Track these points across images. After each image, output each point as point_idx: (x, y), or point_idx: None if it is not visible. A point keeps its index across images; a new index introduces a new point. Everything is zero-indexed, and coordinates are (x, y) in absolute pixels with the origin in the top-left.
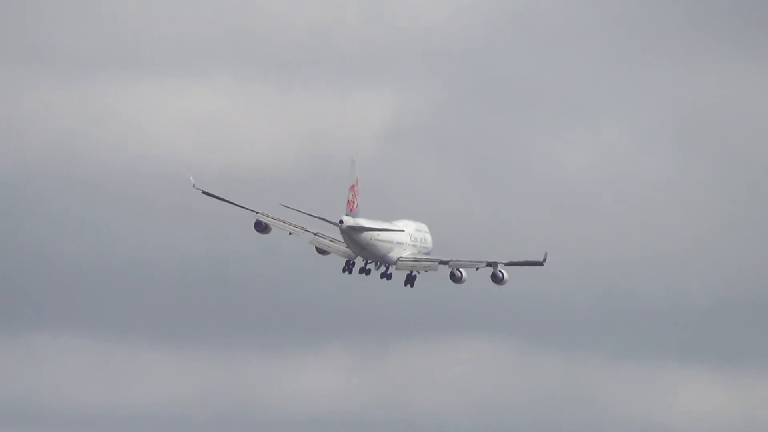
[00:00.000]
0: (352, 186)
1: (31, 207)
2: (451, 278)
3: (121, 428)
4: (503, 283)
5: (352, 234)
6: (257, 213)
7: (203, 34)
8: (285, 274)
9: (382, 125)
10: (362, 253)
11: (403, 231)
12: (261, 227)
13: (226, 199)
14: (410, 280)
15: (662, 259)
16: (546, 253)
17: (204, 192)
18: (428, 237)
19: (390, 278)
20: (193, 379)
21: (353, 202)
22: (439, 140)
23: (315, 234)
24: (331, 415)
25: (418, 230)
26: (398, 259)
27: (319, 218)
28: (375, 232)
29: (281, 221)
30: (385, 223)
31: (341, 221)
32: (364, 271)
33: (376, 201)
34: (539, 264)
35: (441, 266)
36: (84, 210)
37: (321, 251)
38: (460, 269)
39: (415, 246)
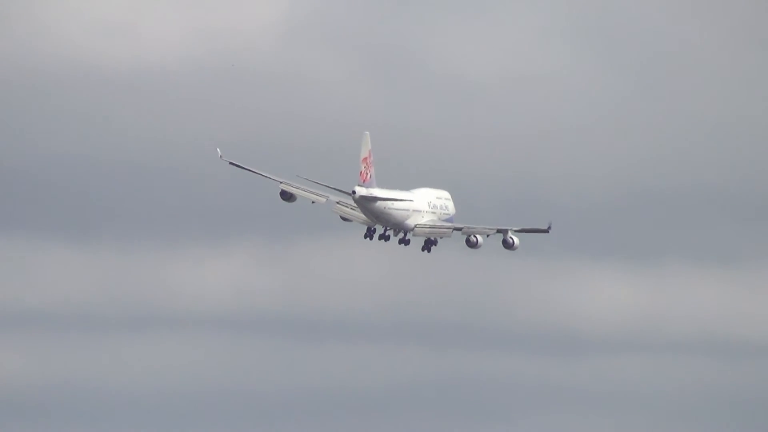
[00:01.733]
0: (365, 158)
1: None
2: (467, 244)
3: (24, 326)
4: (514, 248)
5: (365, 203)
6: (281, 183)
7: None
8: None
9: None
10: (378, 221)
11: (412, 200)
12: (286, 196)
13: (253, 170)
14: (428, 245)
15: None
16: (550, 222)
17: (231, 163)
18: (449, 204)
19: (408, 244)
20: (96, 276)
21: (366, 173)
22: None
23: (337, 202)
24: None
25: (438, 198)
26: (415, 225)
27: (334, 189)
28: (389, 202)
29: (304, 190)
30: (402, 192)
31: (353, 192)
32: (384, 237)
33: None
34: (545, 231)
35: (456, 233)
36: None
37: (344, 218)
38: (475, 235)
39: (434, 213)
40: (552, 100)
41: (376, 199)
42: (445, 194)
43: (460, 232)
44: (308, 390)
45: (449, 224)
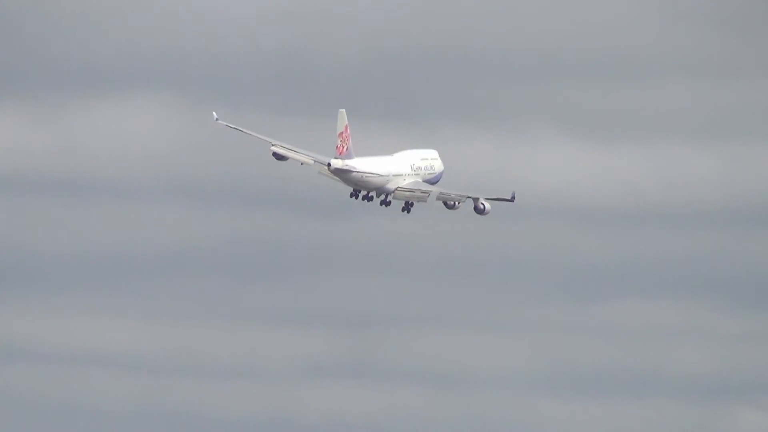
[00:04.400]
0: (341, 133)
1: None
2: (445, 206)
3: None
4: (485, 214)
5: (341, 174)
6: (272, 144)
7: None
8: None
9: None
10: (359, 187)
11: (382, 176)
12: (278, 156)
13: (246, 131)
14: (407, 206)
15: None
16: (514, 192)
17: (226, 125)
18: (436, 163)
19: (389, 205)
20: None
21: (342, 147)
22: None
23: (318, 172)
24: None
25: (423, 159)
26: (396, 188)
27: (313, 158)
28: (366, 172)
29: (295, 151)
30: (383, 157)
31: (329, 164)
32: (367, 198)
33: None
34: (510, 200)
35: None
36: None
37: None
38: (453, 200)
39: (417, 174)
40: None
41: (350, 171)
42: (432, 153)
43: (435, 197)
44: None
45: (428, 187)
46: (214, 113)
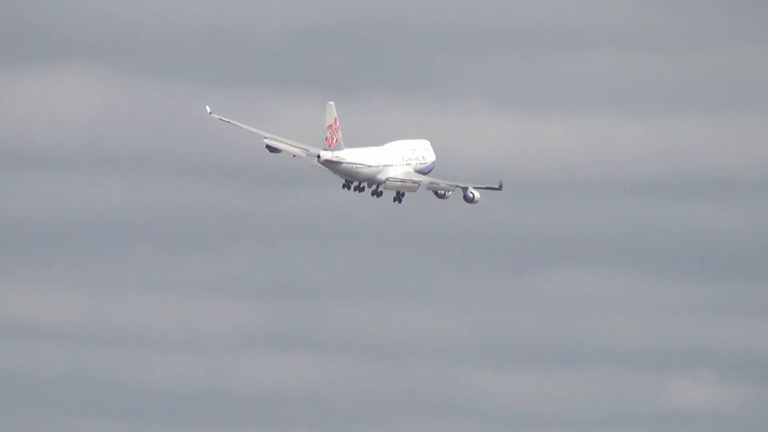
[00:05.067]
0: (330, 125)
1: None
2: (435, 195)
3: None
4: (475, 202)
5: (332, 166)
6: (265, 138)
7: None
8: None
9: None
10: (350, 178)
11: (372, 166)
12: (272, 149)
13: (238, 124)
14: (399, 197)
15: None
16: (501, 180)
17: (220, 118)
18: (427, 153)
19: (380, 195)
20: None
21: (332, 139)
22: None
23: (311, 163)
24: None
25: (414, 149)
26: (387, 179)
27: (305, 150)
28: (356, 163)
29: (288, 144)
30: (374, 148)
31: (318, 156)
32: (358, 189)
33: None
34: (498, 189)
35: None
36: None
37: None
38: (443, 190)
39: (408, 165)
40: None
41: (340, 162)
42: (424, 144)
43: (425, 187)
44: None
45: (419, 177)
46: (207, 107)
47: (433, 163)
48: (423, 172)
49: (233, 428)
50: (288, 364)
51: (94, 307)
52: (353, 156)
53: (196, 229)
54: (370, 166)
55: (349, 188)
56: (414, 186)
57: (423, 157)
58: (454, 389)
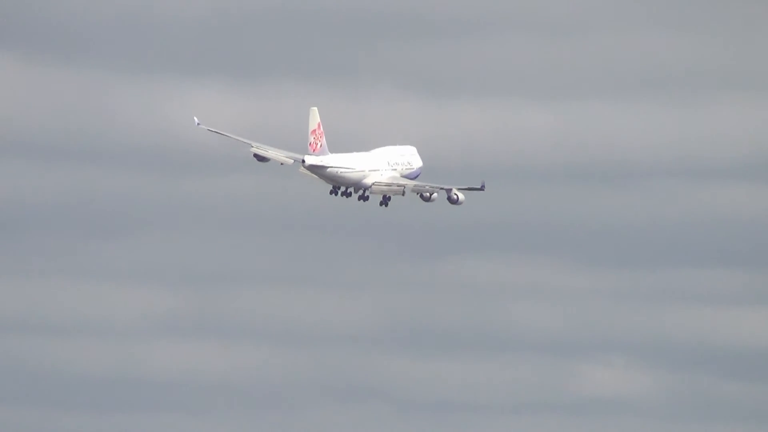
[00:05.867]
0: (313, 130)
1: None
2: (421, 198)
3: None
4: (459, 204)
5: (317, 171)
6: (252, 147)
7: None
8: None
9: None
10: (337, 183)
11: (355, 170)
12: (260, 158)
13: (227, 134)
14: (385, 200)
15: None
16: (483, 181)
17: (209, 129)
18: (413, 159)
19: (367, 200)
20: None
21: (315, 144)
22: None
23: (299, 170)
24: None
25: (401, 155)
26: (373, 183)
27: (293, 158)
28: (341, 168)
29: (275, 152)
30: (359, 153)
31: (303, 160)
32: (345, 194)
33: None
34: (480, 189)
35: (409, 190)
36: None
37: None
38: (428, 192)
39: (394, 170)
40: None
41: (325, 167)
42: (410, 150)
43: (410, 190)
44: None
45: (404, 181)
46: (195, 118)
47: (420, 168)
48: (410, 177)
49: (142, 415)
50: (198, 351)
51: (3, 293)
52: (338, 160)
53: (98, 216)
54: (355, 170)
55: (336, 194)
56: (399, 190)
57: (409, 163)
58: (366, 376)
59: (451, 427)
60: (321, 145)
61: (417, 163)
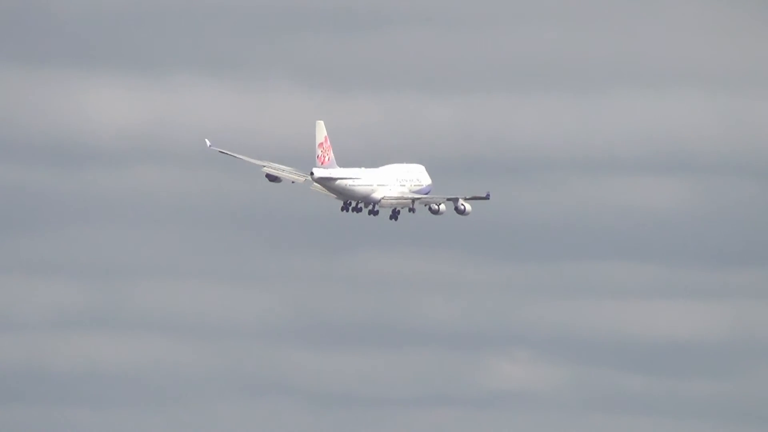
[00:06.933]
0: (321, 143)
1: None
2: (429, 211)
3: None
4: (466, 214)
5: (325, 183)
6: (263, 166)
7: None
8: None
9: None
10: (344, 197)
11: (363, 183)
12: (272, 177)
13: (238, 156)
14: (395, 214)
15: None
16: (488, 192)
17: (220, 151)
18: (422, 177)
19: (377, 214)
20: None
21: (324, 156)
22: None
23: (310, 186)
24: None
25: (408, 171)
26: (382, 198)
27: (295, 172)
28: (349, 180)
29: (287, 172)
30: (366, 169)
31: (312, 173)
32: (356, 209)
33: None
34: (485, 198)
35: (418, 202)
36: None
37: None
38: (437, 204)
39: (403, 186)
40: None
41: (333, 179)
42: (418, 168)
43: (419, 203)
44: None
45: (411, 195)
46: (207, 141)
47: (429, 186)
48: (420, 194)
49: (48, 408)
50: (104, 344)
51: None
52: (347, 173)
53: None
54: (363, 183)
55: (347, 210)
56: (408, 203)
57: (418, 180)
58: (273, 369)
59: (361, 420)
60: (329, 158)
61: (426, 180)
